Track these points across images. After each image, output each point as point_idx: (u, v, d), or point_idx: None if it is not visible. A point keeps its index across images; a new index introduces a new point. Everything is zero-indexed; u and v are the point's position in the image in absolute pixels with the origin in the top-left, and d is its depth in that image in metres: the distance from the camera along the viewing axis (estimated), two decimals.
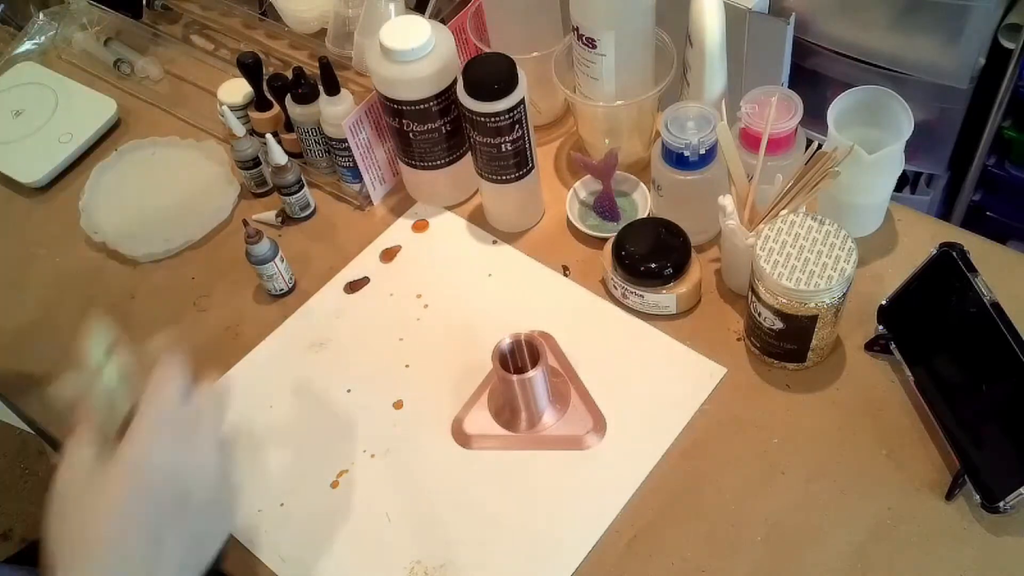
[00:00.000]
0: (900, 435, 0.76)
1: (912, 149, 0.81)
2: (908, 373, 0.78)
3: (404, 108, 0.87)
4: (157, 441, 0.60)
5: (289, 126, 1.00)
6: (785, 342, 0.78)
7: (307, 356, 0.88)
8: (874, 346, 0.81)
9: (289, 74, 0.95)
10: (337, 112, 0.92)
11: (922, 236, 0.88)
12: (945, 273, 0.74)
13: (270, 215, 1.00)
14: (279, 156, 0.93)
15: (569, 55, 0.91)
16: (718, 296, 0.87)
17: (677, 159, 0.82)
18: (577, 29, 0.85)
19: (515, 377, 0.76)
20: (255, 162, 0.99)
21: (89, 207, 1.02)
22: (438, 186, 0.97)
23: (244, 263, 0.90)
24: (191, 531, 0.60)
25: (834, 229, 0.74)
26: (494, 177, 0.89)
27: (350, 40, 1.08)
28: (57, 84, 1.15)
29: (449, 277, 0.93)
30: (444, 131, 0.89)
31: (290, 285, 0.93)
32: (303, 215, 1.00)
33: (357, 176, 0.97)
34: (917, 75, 1.33)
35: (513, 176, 0.88)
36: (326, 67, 0.91)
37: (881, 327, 0.81)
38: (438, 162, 0.92)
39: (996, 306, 0.69)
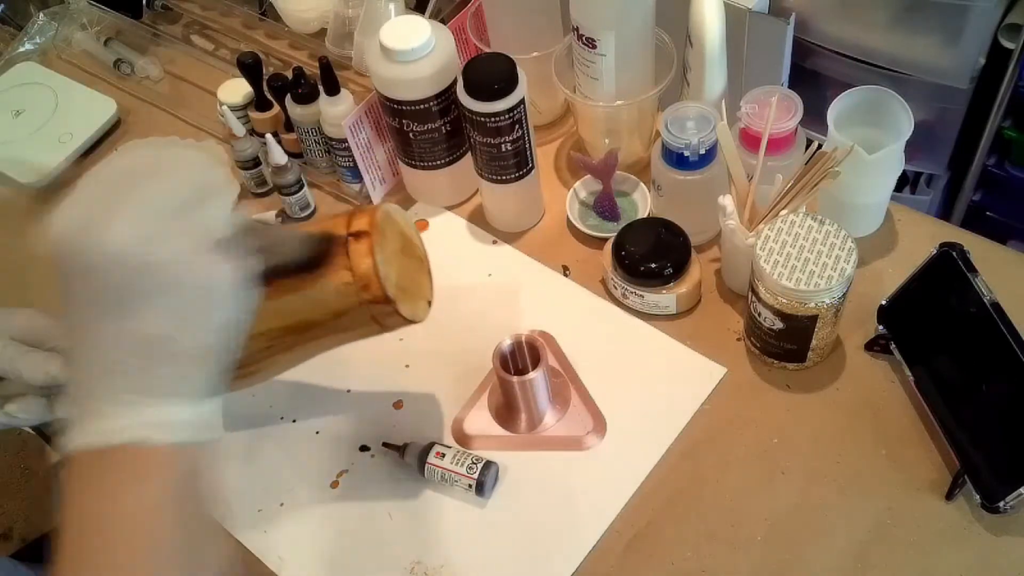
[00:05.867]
0: (900, 435, 0.76)
1: (912, 149, 0.82)
2: (908, 373, 0.78)
3: (404, 108, 0.87)
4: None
5: (289, 126, 1.00)
6: (785, 342, 0.78)
7: None
8: (874, 346, 0.81)
9: (289, 74, 0.95)
10: (337, 112, 0.92)
11: (922, 236, 0.88)
12: (945, 273, 0.74)
13: (270, 215, 0.99)
14: (279, 156, 0.93)
15: (569, 55, 0.90)
16: (718, 296, 0.87)
17: (677, 159, 0.82)
18: (577, 29, 0.85)
19: (516, 379, 0.76)
20: (255, 162, 0.99)
21: None
22: (438, 186, 0.97)
23: None
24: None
25: (834, 229, 0.74)
26: (494, 177, 0.89)
27: (350, 40, 1.08)
28: (57, 84, 1.15)
29: (449, 277, 0.92)
30: (444, 131, 0.89)
31: None
32: (303, 215, 1.00)
33: (357, 176, 0.97)
34: (917, 75, 1.33)
35: (513, 176, 0.88)
36: (326, 67, 0.91)
37: (881, 327, 0.81)
38: (438, 162, 0.92)
39: (996, 306, 0.69)
